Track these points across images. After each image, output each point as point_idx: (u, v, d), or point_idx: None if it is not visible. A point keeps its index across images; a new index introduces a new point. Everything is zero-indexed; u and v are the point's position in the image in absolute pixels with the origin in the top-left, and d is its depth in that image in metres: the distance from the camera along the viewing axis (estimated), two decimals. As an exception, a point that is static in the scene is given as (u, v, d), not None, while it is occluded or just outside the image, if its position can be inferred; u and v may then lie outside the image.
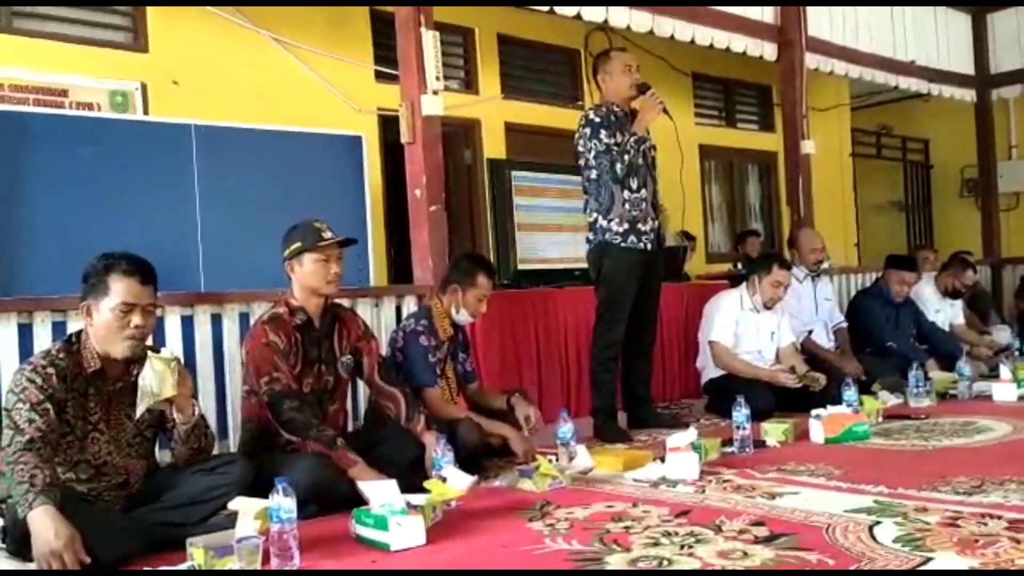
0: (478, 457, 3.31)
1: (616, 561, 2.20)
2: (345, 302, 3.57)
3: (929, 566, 2.01)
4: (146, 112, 5.04)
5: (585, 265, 4.31)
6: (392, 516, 2.40)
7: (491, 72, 6.72)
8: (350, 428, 3.46)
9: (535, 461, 3.19)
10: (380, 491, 2.53)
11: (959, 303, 6.12)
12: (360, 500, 2.59)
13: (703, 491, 2.90)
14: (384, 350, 3.64)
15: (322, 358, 3.09)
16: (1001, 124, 8.94)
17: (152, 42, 5.20)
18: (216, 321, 3.61)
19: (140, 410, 2.48)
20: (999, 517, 2.36)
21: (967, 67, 8.01)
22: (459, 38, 6.56)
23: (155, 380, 2.44)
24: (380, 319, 4.12)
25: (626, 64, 4.14)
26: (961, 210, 9.77)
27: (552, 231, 5.38)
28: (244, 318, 3.62)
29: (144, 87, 5.09)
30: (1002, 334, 6.52)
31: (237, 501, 2.42)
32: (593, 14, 5.23)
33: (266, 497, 2.29)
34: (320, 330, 3.09)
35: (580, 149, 4.10)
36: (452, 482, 2.79)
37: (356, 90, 5.77)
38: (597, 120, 4.05)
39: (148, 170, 4.33)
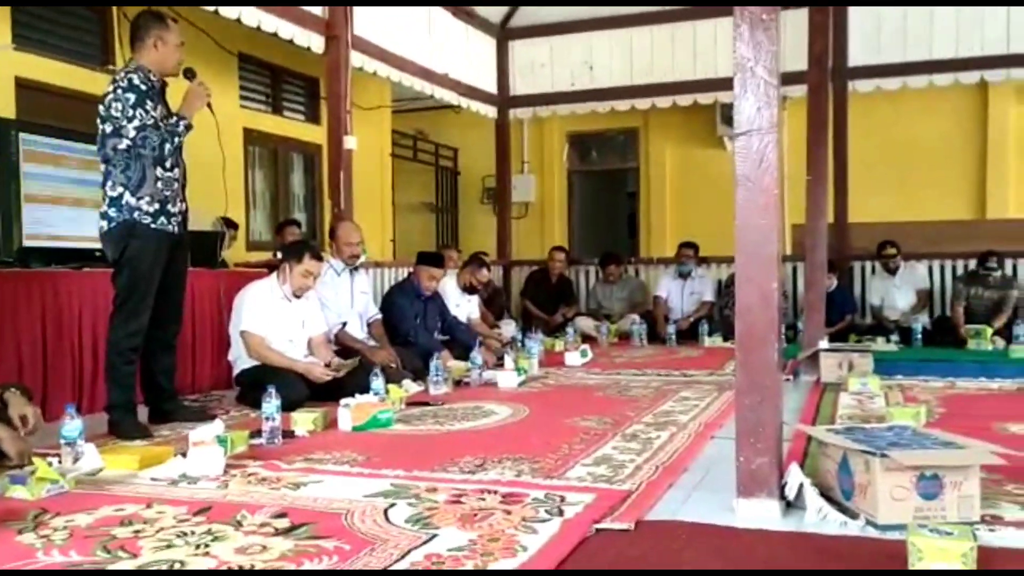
0: (-44, 464, 2.83)
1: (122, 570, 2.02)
2: None
3: (433, 543, 2.17)
4: None
5: (108, 245, 3.91)
6: None
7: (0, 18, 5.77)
8: None
9: (31, 464, 2.82)
10: None
11: (475, 298, 6.80)
12: None
13: (226, 486, 2.81)
14: None
15: None
16: (516, 141, 10.20)
17: None
18: None
19: None
20: (495, 492, 2.65)
21: (491, 86, 8.92)
22: (-44, -31, 5.53)
23: None
24: None
25: (180, 40, 3.91)
26: (481, 215, 10.95)
27: (69, 205, 4.77)
28: None
29: None
30: (508, 328, 7.41)
31: None
32: (128, -29, 4.78)
33: None
34: None
35: (115, 115, 3.69)
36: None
37: None
38: (144, 88, 3.71)
39: None
